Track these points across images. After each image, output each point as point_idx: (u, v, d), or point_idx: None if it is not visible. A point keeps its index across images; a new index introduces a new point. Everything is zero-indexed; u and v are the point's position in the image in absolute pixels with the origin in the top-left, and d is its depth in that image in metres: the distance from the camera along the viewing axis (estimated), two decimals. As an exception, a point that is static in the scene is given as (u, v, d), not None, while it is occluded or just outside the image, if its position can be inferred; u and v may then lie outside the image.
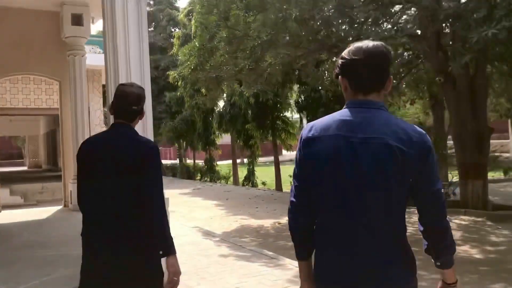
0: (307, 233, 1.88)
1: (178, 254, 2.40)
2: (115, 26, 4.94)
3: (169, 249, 2.40)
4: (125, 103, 2.53)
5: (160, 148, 43.04)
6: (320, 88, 12.01)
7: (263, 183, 21.74)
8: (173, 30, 28.11)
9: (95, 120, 13.24)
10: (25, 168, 30.17)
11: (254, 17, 9.85)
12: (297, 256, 1.94)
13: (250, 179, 22.02)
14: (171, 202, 13.51)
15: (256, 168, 22.91)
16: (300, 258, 1.93)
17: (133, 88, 2.59)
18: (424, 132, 1.76)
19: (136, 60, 5.01)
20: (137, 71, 5.01)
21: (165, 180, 21.88)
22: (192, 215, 11.57)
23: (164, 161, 35.38)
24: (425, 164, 1.72)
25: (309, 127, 1.85)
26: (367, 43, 1.78)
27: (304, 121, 19.59)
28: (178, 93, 21.56)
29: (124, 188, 2.39)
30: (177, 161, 31.98)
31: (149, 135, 5.04)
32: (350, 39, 7.32)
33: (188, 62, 10.59)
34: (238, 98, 17.63)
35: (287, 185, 17.85)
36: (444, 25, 8.34)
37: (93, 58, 12.11)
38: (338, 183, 1.73)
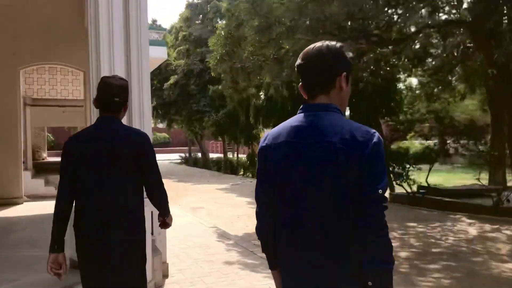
0: (272, 243, 1.83)
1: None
2: (97, 11, 4.46)
3: (169, 214, 2.80)
4: (107, 95, 2.55)
5: (210, 142, 43.34)
6: (361, 80, 11.03)
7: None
8: (219, 22, 27.74)
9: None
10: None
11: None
12: (269, 266, 1.91)
13: (290, 175, 21.26)
14: (205, 198, 13.27)
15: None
16: (271, 267, 1.90)
17: (114, 80, 2.61)
18: (373, 131, 1.66)
19: (122, 52, 4.55)
20: (122, 64, 4.56)
21: (207, 174, 21.76)
22: (219, 213, 11.08)
23: (211, 155, 35.44)
24: (370, 163, 1.61)
25: (265, 137, 1.85)
26: (313, 46, 1.76)
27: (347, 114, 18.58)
28: (221, 87, 21.12)
29: (126, 179, 2.48)
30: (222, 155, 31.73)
31: (147, 129, 4.76)
32: (382, 24, 6.45)
33: (215, 52, 10.00)
34: (274, 92, 16.91)
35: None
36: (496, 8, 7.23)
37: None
38: (288, 189, 1.72)
